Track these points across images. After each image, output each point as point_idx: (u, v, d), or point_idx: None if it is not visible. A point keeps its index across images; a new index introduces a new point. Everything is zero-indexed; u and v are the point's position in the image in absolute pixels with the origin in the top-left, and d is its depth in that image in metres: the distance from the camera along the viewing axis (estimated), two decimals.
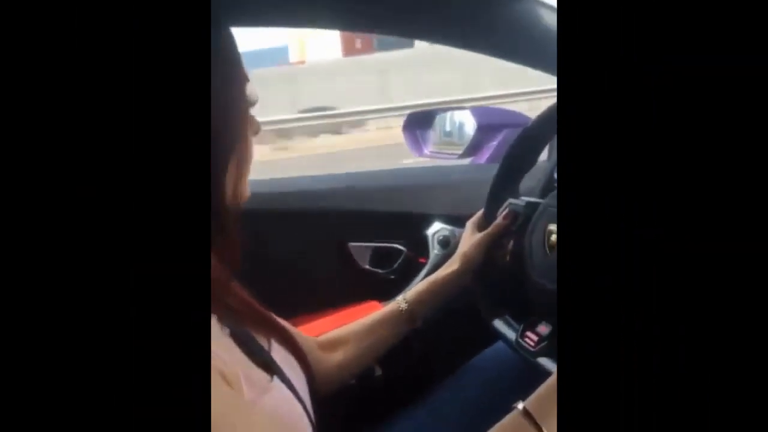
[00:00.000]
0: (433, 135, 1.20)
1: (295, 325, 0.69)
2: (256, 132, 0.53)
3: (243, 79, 0.50)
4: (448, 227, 1.02)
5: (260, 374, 0.50)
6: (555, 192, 0.69)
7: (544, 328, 0.63)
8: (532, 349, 0.61)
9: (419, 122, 1.20)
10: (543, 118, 0.69)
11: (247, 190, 0.54)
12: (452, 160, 1.20)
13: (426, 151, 1.20)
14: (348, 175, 1.23)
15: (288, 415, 0.49)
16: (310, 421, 0.54)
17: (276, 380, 0.51)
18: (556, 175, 0.77)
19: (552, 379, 0.49)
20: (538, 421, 0.45)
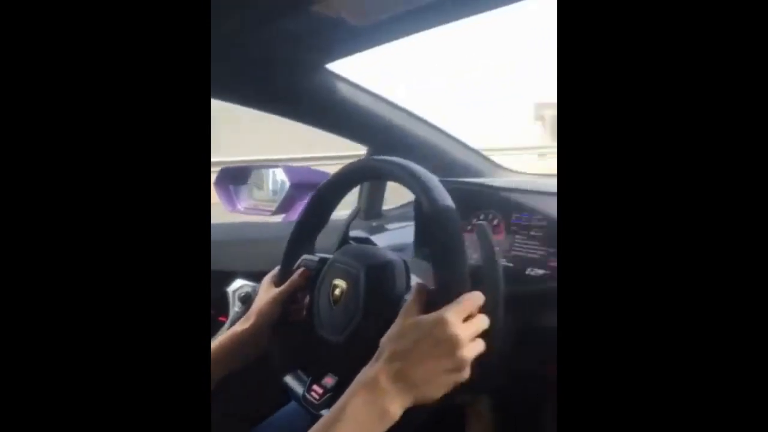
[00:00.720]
0: (246, 191, 1.22)
1: None
2: None
3: None
4: (250, 284, 1.03)
5: None
6: (343, 247, 0.73)
7: (329, 380, 0.65)
8: (316, 402, 0.63)
9: (232, 177, 1.21)
10: (332, 181, 0.72)
11: None
12: (264, 217, 1.21)
13: (239, 207, 1.21)
14: None
15: None
16: None
17: None
18: (348, 231, 0.80)
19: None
20: None
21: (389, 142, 1.07)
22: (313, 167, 1.16)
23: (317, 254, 0.75)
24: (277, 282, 0.74)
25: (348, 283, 0.65)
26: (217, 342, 0.68)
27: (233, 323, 0.96)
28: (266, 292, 0.73)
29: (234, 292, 1.03)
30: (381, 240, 0.74)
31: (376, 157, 0.70)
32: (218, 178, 1.19)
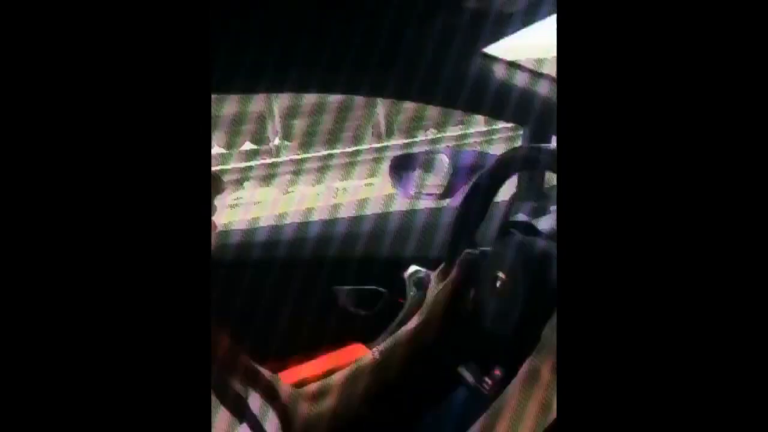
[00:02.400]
0: (416, 177, 1.28)
1: (279, 369, 0.72)
2: (221, 191, 0.55)
3: None
4: (423, 269, 1.11)
5: (228, 419, 0.52)
6: (501, 238, 0.76)
7: (497, 371, 0.68)
8: (487, 392, 0.67)
9: (404, 165, 1.27)
10: (491, 169, 0.74)
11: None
12: (433, 202, 1.30)
13: (411, 193, 1.27)
14: (329, 222, 1.33)
15: None
16: None
17: (245, 426, 0.53)
18: (508, 217, 0.83)
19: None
20: None
21: (547, 120, 1.09)
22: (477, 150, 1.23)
23: (478, 248, 0.77)
24: (443, 276, 0.77)
25: (509, 276, 0.67)
26: (394, 336, 0.75)
27: (410, 306, 1.08)
28: (435, 287, 0.77)
29: (409, 277, 1.11)
30: (544, 223, 0.76)
31: (533, 145, 0.72)
32: (392, 167, 1.26)
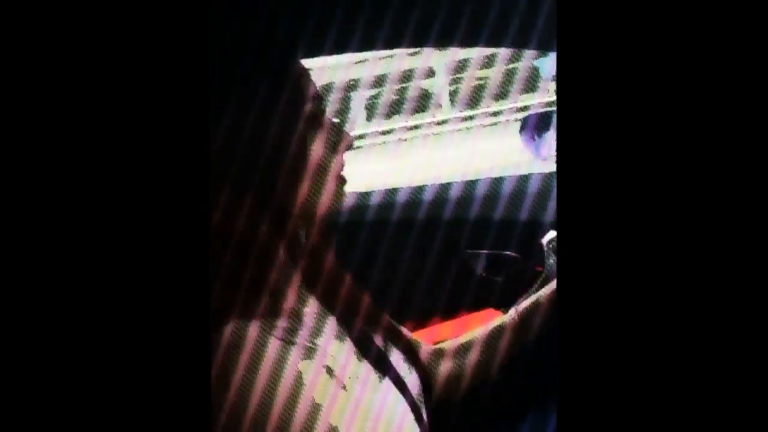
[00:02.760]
0: (549, 137, 1.21)
1: (412, 330, 0.72)
2: (350, 145, 0.56)
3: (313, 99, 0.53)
4: None
5: (372, 374, 0.54)
6: None
7: None
8: None
9: (536, 125, 1.20)
10: None
11: (336, 201, 0.56)
12: None
13: (544, 154, 1.20)
14: (461, 184, 1.27)
15: (396, 416, 0.53)
16: (421, 425, 0.57)
17: (387, 381, 0.55)
18: None
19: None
20: None
21: None
22: None
23: None
24: None
25: None
26: (533, 297, 0.73)
27: (548, 275, 0.99)
28: None
29: (548, 243, 1.03)
30: None
31: None
32: (522, 127, 1.19)
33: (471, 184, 1.25)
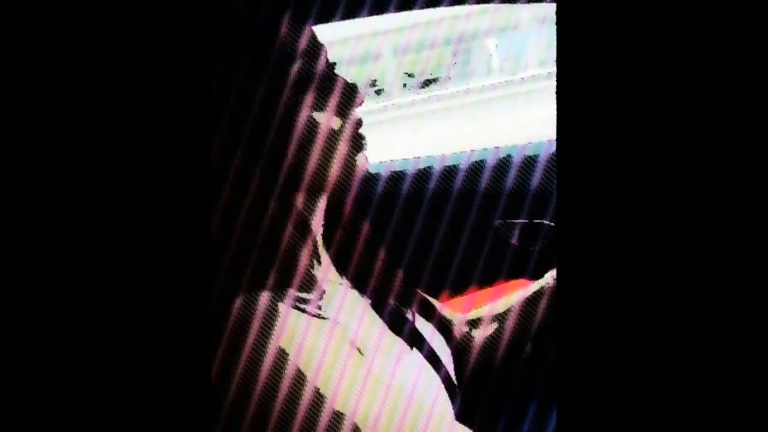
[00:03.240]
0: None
1: (449, 299, 0.71)
2: (360, 103, 0.54)
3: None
4: None
5: (398, 345, 0.52)
6: None
7: None
8: None
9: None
10: None
11: (350, 166, 0.54)
12: None
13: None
14: (496, 151, 1.23)
15: (422, 386, 0.52)
16: (451, 394, 0.56)
17: (415, 352, 0.54)
18: None
19: None
20: None
21: None
22: None
23: None
24: None
25: None
26: None
27: None
28: None
29: None
30: None
31: None
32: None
33: (508, 151, 1.21)
